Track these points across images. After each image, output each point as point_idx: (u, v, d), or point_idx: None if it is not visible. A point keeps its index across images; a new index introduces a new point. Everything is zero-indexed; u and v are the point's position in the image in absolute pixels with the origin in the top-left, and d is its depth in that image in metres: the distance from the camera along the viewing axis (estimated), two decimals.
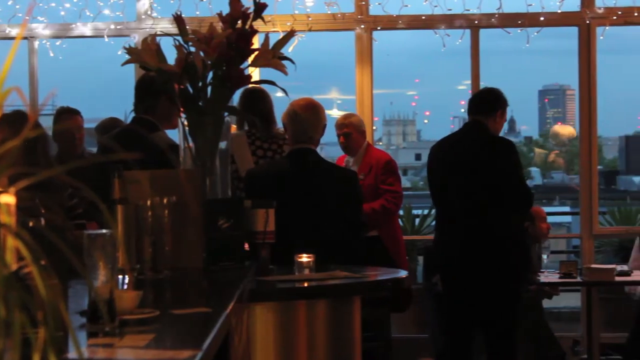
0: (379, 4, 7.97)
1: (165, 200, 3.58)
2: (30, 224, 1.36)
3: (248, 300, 3.45)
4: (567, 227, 13.27)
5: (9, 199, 1.20)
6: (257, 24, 4.13)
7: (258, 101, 5.81)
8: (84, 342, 2.11)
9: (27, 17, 7.69)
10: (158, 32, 6.16)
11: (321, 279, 3.91)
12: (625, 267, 7.41)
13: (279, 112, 5.81)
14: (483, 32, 8.08)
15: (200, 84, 4.02)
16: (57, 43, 8.14)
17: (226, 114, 4.25)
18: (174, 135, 4.72)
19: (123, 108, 6.26)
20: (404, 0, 7.95)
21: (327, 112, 5.19)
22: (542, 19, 7.97)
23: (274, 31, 7.20)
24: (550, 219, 7.88)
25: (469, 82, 8.11)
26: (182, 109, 4.12)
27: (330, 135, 5.06)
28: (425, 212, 10.63)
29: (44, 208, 2.11)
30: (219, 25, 4.08)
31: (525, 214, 6.20)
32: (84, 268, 2.10)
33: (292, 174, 4.78)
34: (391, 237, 6.61)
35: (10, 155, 1.12)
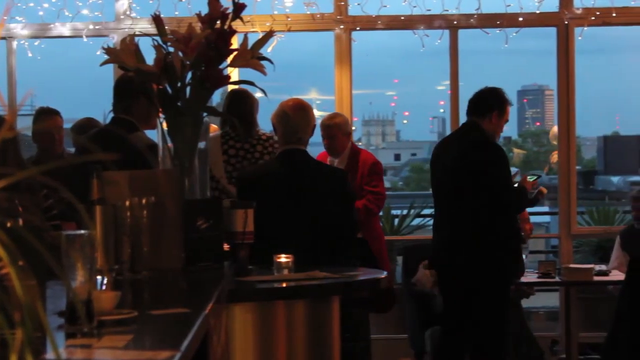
0: (358, 4, 7.98)
1: (144, 201, 3.57)
2: (8, 224, 1.35)
3: (227, 300, 3.45)
4: (545, 227, 13.29)
5: None
6: (236, 24, 4.12)
7: (239, 102, 5.81)
8: (61, 343, 2.11)
9: (5, 17, 7.66)
10: (137, 32, 6.15)
11: (300, 279, 3.91)
12: (603, 267, 7.44)
13: (263, 112, 5.81)
14: (462, 33, 8.11)
15: (179, 84, 4.02)
16: (36, 43, 8.11)
17: (205, 114, 4.25)
18: (153, 135, 4.71)
19: (102, 108, 6.23)
20: (383, 0, 7.97)
21: None
22: (520, 19, 8.00)
23: (253, 31, 7.19)
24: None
25: (448, 82, 8.14)
26: (160, 109, 4.11)
27: (314, 135, 5.03)
28: (405, 212, 10.65)
29: (21, 209, 2.10)
30: (197, 26, 4.08)
31: (512, 215, 6.13)
32: (62, 269, 2.10)
33: (283, 175, 4.78)
34: (373, 238, 6.62)
35: None
